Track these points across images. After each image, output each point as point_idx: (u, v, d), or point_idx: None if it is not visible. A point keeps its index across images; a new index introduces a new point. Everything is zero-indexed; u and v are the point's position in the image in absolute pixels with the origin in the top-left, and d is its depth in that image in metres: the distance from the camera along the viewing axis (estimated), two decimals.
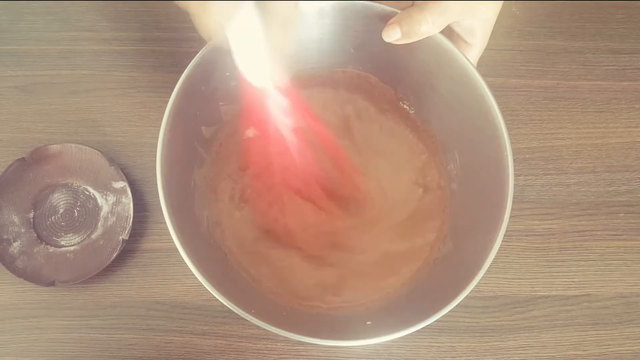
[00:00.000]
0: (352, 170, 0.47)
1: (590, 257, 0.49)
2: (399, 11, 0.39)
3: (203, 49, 0.39)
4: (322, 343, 0.36)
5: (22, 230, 0.48)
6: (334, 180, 0.46)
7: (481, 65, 0.41)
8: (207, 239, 0.43)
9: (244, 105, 0.40)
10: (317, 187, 0.45)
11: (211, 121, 0.45)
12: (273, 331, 0.35)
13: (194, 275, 0.36)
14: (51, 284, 0.46)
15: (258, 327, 0.46)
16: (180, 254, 0.36)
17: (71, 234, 0.48)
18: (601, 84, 0.54)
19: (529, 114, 0.53)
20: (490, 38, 0.44)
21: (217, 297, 0.35)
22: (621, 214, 0.50)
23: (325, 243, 0.46)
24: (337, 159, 0.46)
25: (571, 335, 0.48)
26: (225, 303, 0.35)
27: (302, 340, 0.35)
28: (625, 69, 0.54)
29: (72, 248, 0.48)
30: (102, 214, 0.49)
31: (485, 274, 0.37)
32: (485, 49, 0.44)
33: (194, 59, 0.39)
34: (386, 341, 0.45)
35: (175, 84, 0.39)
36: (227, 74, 0.42)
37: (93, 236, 0.48)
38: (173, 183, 0.39)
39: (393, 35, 0.39)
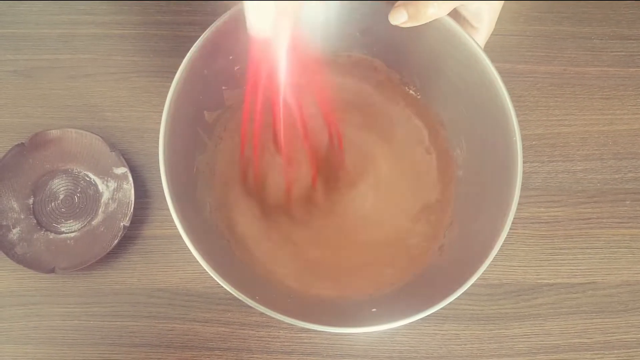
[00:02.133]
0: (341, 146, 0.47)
1: (596, 244, 0.49)
2: None
3: (206, 31, 0.38)
4: (327, 330, 0.35)
5: (22, 217, 0.47)
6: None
7: (487, 51, 0.40)
8: (209, 225, 0.43)
9: (250, 64, 0.38)
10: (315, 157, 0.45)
11: (214, 106, 0.44)
12: (277, 318, 0.35)
13: (196, 262, 0.36)
14: (51, 270, 0.45)
15: (261, 315, 0.46)
16: (182, 241, 0.36)
17: (71, 221, 0.48)
18: (608, 70, 0.53)
19: (535, 100, 0.52)
20: (496, 23, 0.43)
21: (221, 283, 0.35)
22: (627, 202, 0.50)
23: (324, 223, 0.46)
24: (331, 125, 0.45)
25: (576, 323, 0.47)
26: (229, 289, 0.35)
27: (306, 327, 0.35)
28: (633, 55, 0.54)
29: (72, 234, 0.47)
30: (102, 200, 0.48)
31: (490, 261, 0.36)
32: (491, 34, 0.44)
33: (196, 42, 0.38)
34: (391, 329, 0.45)
35: (177, 68, 0.38)
36: (231, 57, 0.41)
37: (94, 222, 0.48)
38: (175, 169, 0.38)
39: (399, 18, 0.38)
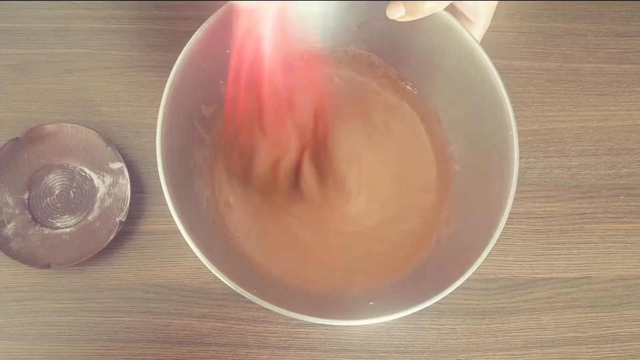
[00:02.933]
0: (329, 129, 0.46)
1: (591, 239, 0.49)
2: None
3: (203, 24, 0.38)
4: (325, 322, 0.35)
5: (17, 212, 0.47)
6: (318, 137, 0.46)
7: (483, 47, 0.40)
8: (207, 220, 0.43)
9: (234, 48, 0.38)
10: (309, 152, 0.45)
11: (211, 100, 0.44)
12: (276, 311, 0.35)
13: (192, 257, 0.36)
14: (46, 266, 0.45)
15: (257, 310, 0.46)
16: (178, 236, 0.36)
17: (67, 216, 0.48)
18: (603, 66, 0.54)
19: (530, 96, 0.53)
20: (492, 19, 0.43)
21: (221, 277, 0.35)
22: (622, 197, 0.50)
23: (319, 217, 0.46)
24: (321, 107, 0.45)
25: (571, 317, 0.48)
26: (228, 284, 0.35)
27: (305, 320, 0.35)
28: (627, 52, 0.54)
29: (67, 230, 0.47)
30: (98, 195, 0.48)
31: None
32: (487, 30, 0.44)
33: (194, 35, 0.38)
34: (387, 323, 0.45)
35: (173, 64, 0.38)
36: (228, 51, 0.41)
37: (89, 218, 0.47)
38: (173, 164, 0.38)
39: (397, 12, 0.38)
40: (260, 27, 0.36)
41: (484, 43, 0.43)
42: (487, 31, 0.44)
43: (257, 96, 0.40)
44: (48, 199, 0.48)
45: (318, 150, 0.47)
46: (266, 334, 0.46)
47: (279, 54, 0.37)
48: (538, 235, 0.49)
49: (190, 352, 0.46)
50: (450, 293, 0.36)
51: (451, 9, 0.40)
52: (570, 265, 0.49)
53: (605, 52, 0.54)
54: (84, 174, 0.48)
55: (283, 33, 0.37)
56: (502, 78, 0.39)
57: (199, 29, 0.38)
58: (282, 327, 0.47)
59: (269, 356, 0.46)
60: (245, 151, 0.45)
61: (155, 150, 0.37)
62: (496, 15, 0.43)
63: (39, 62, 0.51)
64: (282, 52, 0.37)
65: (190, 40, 0.38)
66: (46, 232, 0.47)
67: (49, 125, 0.47)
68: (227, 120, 0.43)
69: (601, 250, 0.49)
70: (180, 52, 0.38)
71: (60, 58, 0.51)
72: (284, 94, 0.41)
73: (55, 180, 0.48)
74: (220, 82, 0.43)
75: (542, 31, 0.54)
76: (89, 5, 0.53)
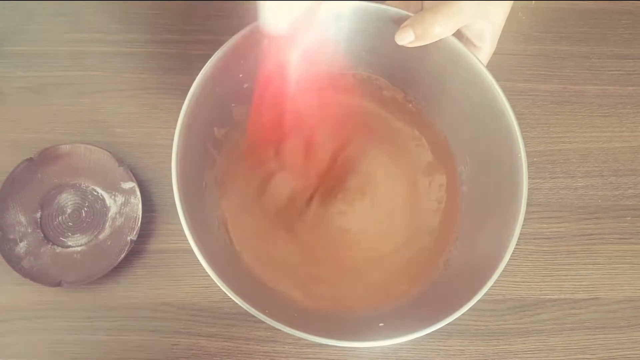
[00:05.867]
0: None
1: (598, 260, 0.50)
2: (411, 14, 0.40)
3: (219, 50, 0.39)
4: (338, 344, 0.35)
5: (29, 231, 0.47)
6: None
7: (488, 70, 0.41)
8: (218, 240, 0.43)
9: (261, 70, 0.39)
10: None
11: (223, 122, 0.45)
12: (286, 331, 0.35)
13: (201, 276, 0.36)
14: (57, 284, 0.45)
15: (265, 329, 0.46)
16: (187, 255, 0.36)
17: (78, 235, 0.48)
18: (607, 88, 0.54)
19: (536, 118, 0.53)
20: (497, 42, 0.44)
21: (232, 296, 0.35)
22: (628, 218, 0.51)
23: (327, 237, 0.46)
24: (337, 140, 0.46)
25: (579, 339, 0.48)
26: (239, 302, 0.35)
27: (314, 340, 0.35)
28: (630, 74, 0.55)
29: (79, 248, 0.48)
30: (110, 215, 0.48)
31: None
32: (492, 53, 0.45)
33: (209, 60, 0.39)
34: (395, 344, 0.45)
35: (185, 86, 0.39)
36: (240, 75, 0.42)
37: (100, 237, 0.48)
38: (186, 184, 0.39)
39: (406, 37, 0.39)
40: (288, 53, 0.37)
41: (489, 65, 0.44)
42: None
43: (278, 122, 0.41)
44: (60, 218, 0.48)
45: (332, 179, 0.47)
46: (274, 354, 0.47)
47: (302, 80, 0.38)
48: (546, 256, 0.50)
49: None
50: (461, 314, 0.36)
51: (457, 34, 0.41)
52: (578, 286, 0.49)
53: (609, 74, 0.55)
54: (96, 193, 0.49)
55: (308, 59, 0.38)
56: (507, 100, 0.40)
57: (214, 55, 0.39)
58: (290, 347, 0.47)
59: None
60: (260, 175, 0.46)
61: (166, 170, 0.37)
62: (500, 38, 0.44)
63: (54, 84, 0.52)
64: (305, 78, 0.38)
65: (205, 65, 0.39)
66: (58, 250, 0.47)
67: (62, 146, 0.48)
68: (248, 142, 0.44)
69: (609, 271, 0.49)
70: (191, 75, 0.39)
71: (75, 80, 0.53)
72: (303, 120, 0.42)
73: (67, 200, 0.49)
74: (232, 105, 0.44)
75: (546, 54, 0.55)
76: (103, 29, 0.54)
